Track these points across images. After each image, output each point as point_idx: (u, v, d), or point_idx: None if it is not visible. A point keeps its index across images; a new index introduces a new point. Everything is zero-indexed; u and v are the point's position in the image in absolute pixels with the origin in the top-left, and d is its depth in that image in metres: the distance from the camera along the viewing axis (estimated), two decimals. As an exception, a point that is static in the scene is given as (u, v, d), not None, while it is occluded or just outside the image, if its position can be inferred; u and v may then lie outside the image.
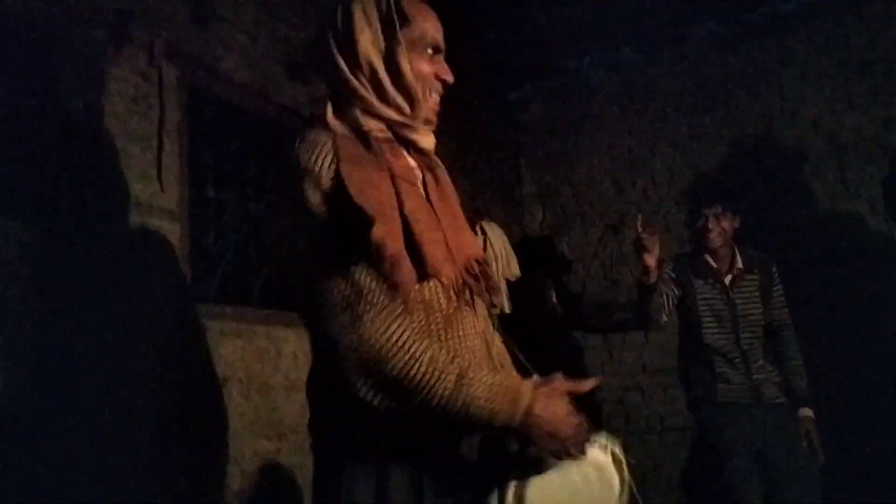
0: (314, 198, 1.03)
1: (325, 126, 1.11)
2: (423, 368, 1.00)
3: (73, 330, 1.85)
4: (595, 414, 1.80)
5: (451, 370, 1.01)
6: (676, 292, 2.71)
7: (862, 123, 3.58)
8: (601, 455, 1.15)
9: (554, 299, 3.45)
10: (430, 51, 1.18)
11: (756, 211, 3.84)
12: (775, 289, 2.74)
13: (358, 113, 1.13)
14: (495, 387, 1.03)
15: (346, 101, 1.14)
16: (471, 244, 1.22)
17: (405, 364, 0.99)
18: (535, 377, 1.13)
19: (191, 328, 2.19)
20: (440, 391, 1.00)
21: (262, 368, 2.43)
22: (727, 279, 2.71)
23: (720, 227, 2.68)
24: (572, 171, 4.46)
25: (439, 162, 1.27)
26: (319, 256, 1.04)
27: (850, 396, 3.17)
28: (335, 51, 1.15)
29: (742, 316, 2.66)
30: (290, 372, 2.55)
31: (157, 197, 2.16)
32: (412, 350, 1.00)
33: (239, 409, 2.31)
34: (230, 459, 2.24)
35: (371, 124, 1.13)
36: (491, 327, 1.24)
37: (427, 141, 1.21)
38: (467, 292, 1.14)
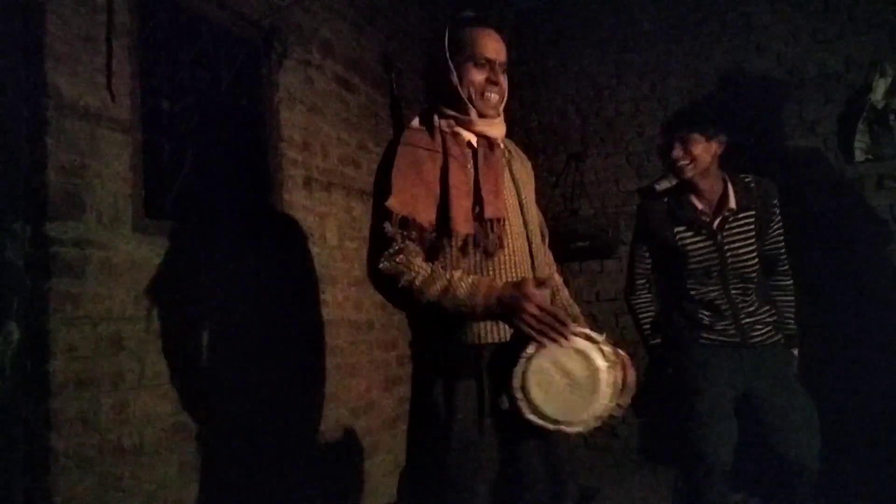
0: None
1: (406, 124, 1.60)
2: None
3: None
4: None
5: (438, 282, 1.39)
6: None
7: (825, 60, 3.61)
8: (585, 343, 1.37)
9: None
10: (481, 64, 1.55)
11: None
12: (775, 224, 2.25)
13: (435, 115, 1.57)
14: (473, 283, 1.39)
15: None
16: (496, 208, 1.51)
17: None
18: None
19: (145, 245, 2.13)
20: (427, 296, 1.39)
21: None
22: (716, 223, 2.18)
23: (688, 154, 2.16)
24: (538, 99, 4.41)
25: (501, 145, 1.62)
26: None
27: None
28: (430, 77, 1.62)
29: (733, 264, 2.17)
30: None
31: (107, 106, 2.04)
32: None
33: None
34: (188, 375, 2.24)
35: (441, 123, 1.55)
36: (530, 264, 1.56)
37: (488, 130, 1.56)
38: (471, 243, 1.47)
